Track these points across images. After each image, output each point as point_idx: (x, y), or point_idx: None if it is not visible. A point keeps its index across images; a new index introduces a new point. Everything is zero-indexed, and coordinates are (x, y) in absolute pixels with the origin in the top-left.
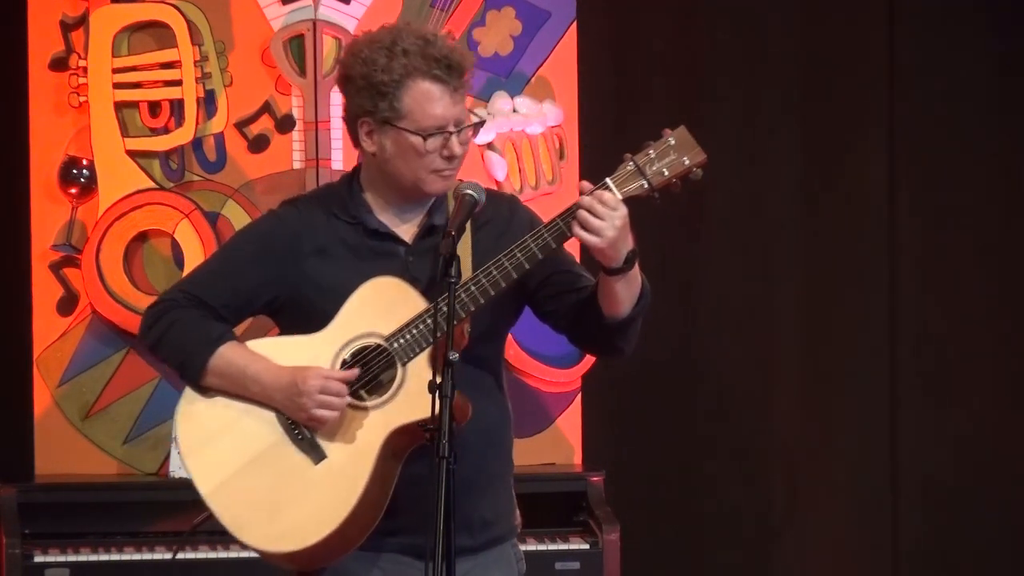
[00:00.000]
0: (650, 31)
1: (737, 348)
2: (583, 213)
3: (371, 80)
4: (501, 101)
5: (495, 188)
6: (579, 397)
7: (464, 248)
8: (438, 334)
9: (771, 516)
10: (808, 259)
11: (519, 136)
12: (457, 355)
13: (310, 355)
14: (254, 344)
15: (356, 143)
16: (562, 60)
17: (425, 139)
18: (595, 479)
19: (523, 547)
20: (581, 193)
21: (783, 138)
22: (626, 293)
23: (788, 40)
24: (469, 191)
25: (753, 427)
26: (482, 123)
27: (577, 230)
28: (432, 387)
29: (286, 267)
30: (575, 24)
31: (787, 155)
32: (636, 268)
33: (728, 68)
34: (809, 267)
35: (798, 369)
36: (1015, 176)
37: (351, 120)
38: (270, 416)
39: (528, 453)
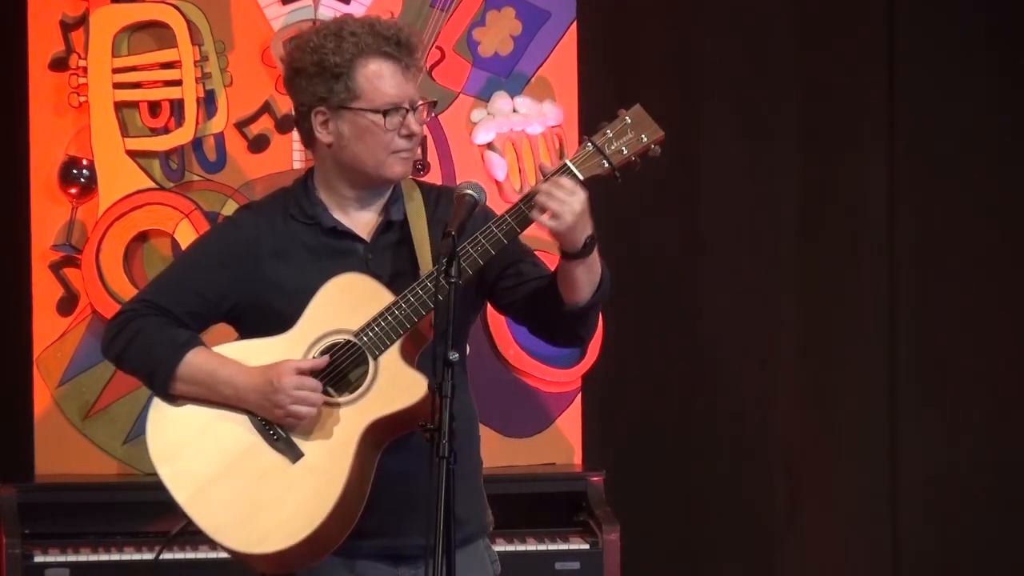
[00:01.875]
0: (650, 31)
1: (737, 348)
2: (542, 198)
3: (323, 65)
4: (501, 101)
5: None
6: (579, 397)
7: (422, 244)
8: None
9: (772, 516)
10: (808, 259)
11: (519, 136)
12: (457, 355)
13: (279, 356)
14: (221, 349)
15: (309, 140)
16: (562, 60)
17: (385, 116)
18: (595, 479)
19: (523, 547)
20: (541, 173)
21: (783, 138)
22: (586, 279)
23: (788, 39)
24: (469, 191)
25: (753, 427)
26: (435, 103)
27: (536, 214)
28: (432, 386)
29: (247, 272)
30: (575, 24)
31: (787, 155)
32: (595, 254)
33: (728, 68)
34: (809, 267)
35: (798, 369)
36: (1016, 179)
37: (303, 115)
38: (242, 419)
39: (528, 453)
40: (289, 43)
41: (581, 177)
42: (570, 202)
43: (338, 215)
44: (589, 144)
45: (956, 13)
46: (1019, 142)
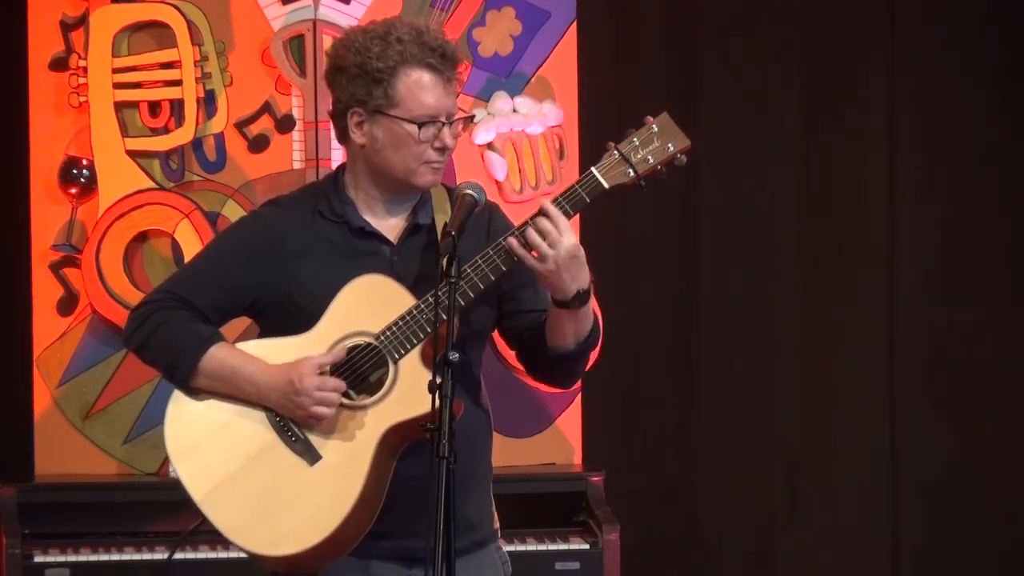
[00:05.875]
0: (650, 31)
1: (737, 348)
2: (530, 234)
3: (365, 68)
4: (501, 101)
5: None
6: (579, 397)
7: None
8: (436, 328)
9: (771, 516)
10: (809, 259)
11: (519, 136)
12: (458, 355)
13: (300, 356)
14: (242, 346)
15: (343, 137)
16: (562, 60)
17: (420, 127)
18: (595, 479)
19: (523, 547)
20: (540, 205)
21: (784, 139)
22: (571, 328)
23: (789, 42)
24: (469, 191)
25: (753, 427)
26: (472, 118)
27: (518, 249)
28: (432, 387)
29: (271, 267)
30: (575, 24)
31: (788, 156)
32: (588, 308)
33: (728, 68)
34: (809, 267)
35: (798, 370)
36: (1017, 177)
37: (340, 112)
38: (261, 418)
39: (528, 453)
40: (338, 38)
41: (607, 185)
42: (557, 244)
43: (367, 215)
44: (615, 152)
45: (956, 10)
46: (1021, 140)
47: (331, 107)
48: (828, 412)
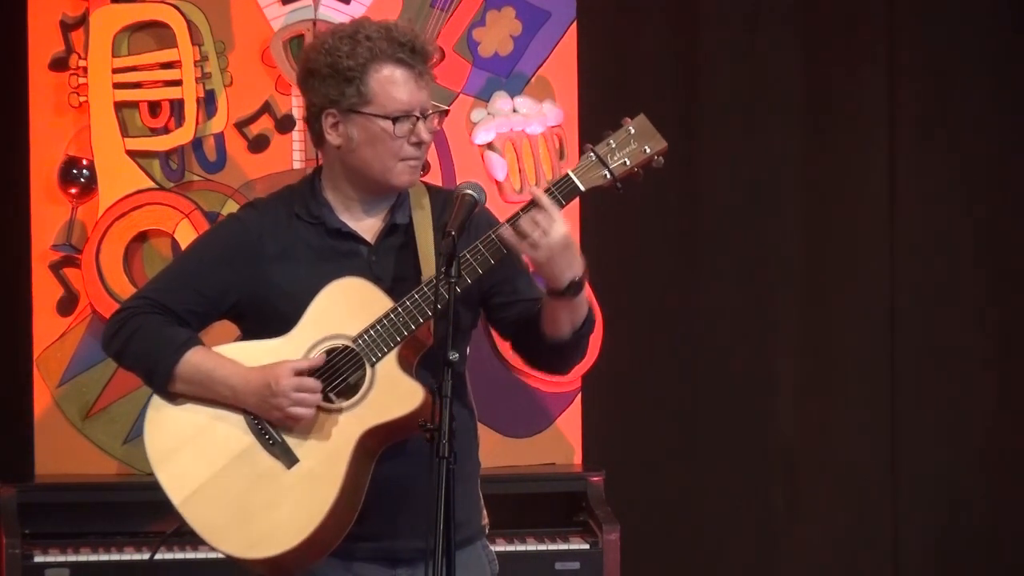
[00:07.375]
0: (650, 31)
1: (737, 347)
2: (523, 223)
3: (337, 67)
4: (501, 101)
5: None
6: (579, 397)
7: (426, 248)
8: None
9: (771, 516)
10: (808, 258)
11: (519, 136)
12: (457, 355)
13: (277, 359)
14: (220, 349)
15: (319, 140)
16: (562, 60)
17: (394, 123)
18: (595, 479)
19: (523, 547)
20: (532, 195)
21: (783, 138)
22: (566, 317)
23: (789, 38)
24: (469, 191)
25: (753, 427)
26: (446, 112)
27: (515, 241)
28: (430, 390)
29: (248, 271)
30: (575, 24)
31: (787, 155)
32: (583, 296)
33: (728, 67)
34: (809, 266)
35: (799, 370)
36: (1017, 172)
37: (314, 116)
38: (239, 421)
39: (528, 453)
40: (307, 44)
41: (583, 188)
42: (550, 232)
43: (344, 216)
44: (592, 154)
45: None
46: (1020, 135)
47: (304, 111)
48: (829, 412)
